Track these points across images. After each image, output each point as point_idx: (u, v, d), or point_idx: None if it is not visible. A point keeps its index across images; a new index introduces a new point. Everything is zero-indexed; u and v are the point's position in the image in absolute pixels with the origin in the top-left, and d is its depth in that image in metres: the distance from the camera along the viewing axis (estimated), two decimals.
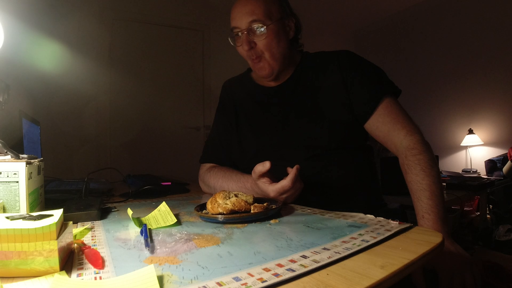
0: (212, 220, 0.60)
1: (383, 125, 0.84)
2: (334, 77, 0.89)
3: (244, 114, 1.02)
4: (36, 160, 0.61)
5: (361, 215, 0.61)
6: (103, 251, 0.44)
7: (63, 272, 0.36)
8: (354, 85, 0.87)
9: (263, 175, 0.73)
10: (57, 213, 0.42)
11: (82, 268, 0.38)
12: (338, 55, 0.92)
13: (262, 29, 0.85)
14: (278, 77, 0.95)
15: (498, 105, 3.23)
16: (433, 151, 0.80)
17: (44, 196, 0.69)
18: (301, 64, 0.97)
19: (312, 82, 0.93)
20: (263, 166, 0.71)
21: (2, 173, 0.53)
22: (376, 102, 0.84)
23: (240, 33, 0.88)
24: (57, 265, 0.36)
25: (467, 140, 3.31)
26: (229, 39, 0.92)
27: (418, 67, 3.86)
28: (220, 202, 0.62)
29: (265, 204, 0.65)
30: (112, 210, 0.73)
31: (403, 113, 0.85)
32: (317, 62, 0.95)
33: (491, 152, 3.25)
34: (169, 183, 1.06)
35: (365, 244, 0.44)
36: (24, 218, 0.40)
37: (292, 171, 0.71)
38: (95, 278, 0.35)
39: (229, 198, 0.64)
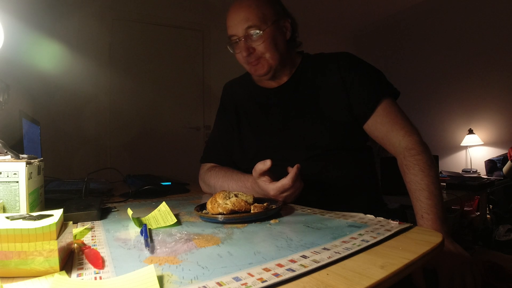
0: (212, 220, 0.60)
1: (382, 126, 0.85)
2: (334, 78, 0.90)
3: (245, 115, 1.02)
4: (36, 160, 0.61)
5: (361, 215, 0.61)
6: (103, 251, 0.44)
7: (63, 272, 0.36)
8: (354, 86, 0.87)
9: (263, 174, 0.73)
10: (57, 213, 0.42)
11: (82, 268, 0.38)
12: (338, 57, 0.93)
13: (259, 34, 0.86)
14: (275, 76, 0.95)
15: (498, 105, 3.23)
16: (431, 152, 0.81)
17: (44, 196, 0.69)
18: (301, 65, 0.97)
19: (313, 83, 0.93)
20: (264, 164, 0.71)
21: (2, 173, 0.53)
22: (375, 103, 0.85)
23: (238, 40, 0.89)
24: (57, 265, 0.36)
25: (467, 140, 3.31)
26: (228, 47, 0.93)
27: (418, 67, 3.86)
28: (220, 202, 0.62)
29: (265, 204, 0.65)
30: (112, 210, 0.73)
31: (402, 115, 0.86)
32: (317, 63, 0.96)
33: (491, 152, 3.25)
34: (169, 183, 1.06)
35: (365, 244, 0.44)
36: (24, 218, 0.40)
37: (292, 170, 0.71)
38: (95, 278, 0.35)
39: (229, 198, 0.64)
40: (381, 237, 0.47)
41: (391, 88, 0.89)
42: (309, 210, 0.69)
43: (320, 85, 0.92)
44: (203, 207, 0.67)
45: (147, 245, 0.45)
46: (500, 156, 2.93)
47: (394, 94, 0.89)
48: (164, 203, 0.65)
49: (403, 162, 0.80)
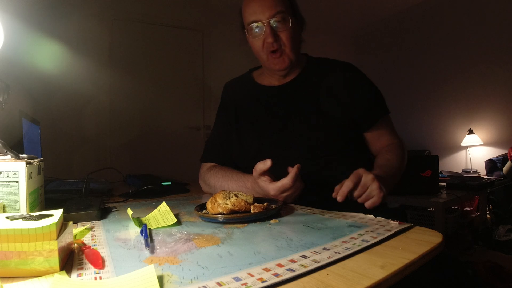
0: (212, 220, 0.60)
1: (382, 136, 0.96)
2: (339, 84, 0.93)
3: (245, 114, 1.02)
4: (36, 160, 0.61)
5: (361, 215, 0.61)
6: (103, 251, 0.44)
7: (63, 272, 0.36)
8: (360, 96, 0.93)
9: (263, 173, 0.74)
10: (57, 213, 0.42)
11: (82, 268, 0.38)
12: (345, 65, 0.98)
13: (285, 21, 0.87)
14: (287, 73, 0.97)
15: (498, 105, 3.23)
16: (406, 151, 0.95)
17: (44, 196, 0.69)
18: (307, 66, 1.00)
19: (316, 85, 0.95)
20: (264, 164, 0.71)
21: (2, 173, 0.53)
22: (379, 117, 0.94)
23: (260, 26, 0.88)
24: (57, 265, 0.36)
25: (467, 140, 3.30)
26: (245, 32, 0.93)
27: (418, 67, 3.86)
28: (220, 202, 0.62)
29: (265, 204, 0.65)
30: (112, 210, 0.74)
31: (394, 129, 0.99)
32: (323, 67, 0.99)
33: (491, 152, 3.24)
34: (169, 183, 1.06)
35: (365, 244, 0.44)
36: (24, 218, 0.40)
37: (293, 170, 0.71)
38: (95, 278, 0.35)
39: (229, 198, 0.64)
40: (381, 237, 0.47)
41: (386, 105, 0.98)
42: (309, 210, 0.69)
43: (324, 88, 0.94)
44: (203, 207, 0.67)
45: (147, 245, 0.45)
46: (500, 156, 2.93)
47: (388, 111, 0.98)
48: (164, 203, 0.65)
49: (382, 150, 0.93)
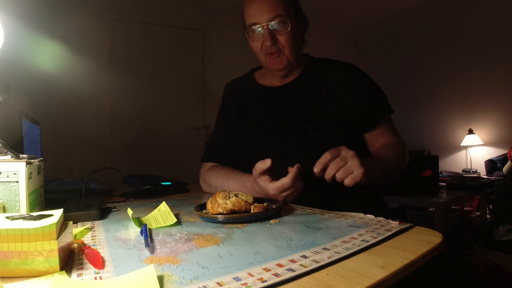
0: (212, 220, 0.60)
1: (382, 136, 0.95)
2: (341, 84, 0.93)
3: (247, 114, 1.02)
4: (36, 160, 0.61)
5: (361, 215, 0.61)
6: (103, 251, 0.44)
7: (63, 272, 0.36)
8: (361, 97, 0.93)
9: (263, 173, 0.74)
10: (57, 213, 0.42)
11: (82, 268, 0.38)
12: (346, 66, 0.98)
13: (285, 25, 0.87)
14: (287, 73, 0.98)
15: (498, 105, 3.23)
16: (407, 152, 0.94)
17: (44, 196, 0.69)
18: (308, 66, 1.00)
19: (318, 85, 0.96)
20: (264, 164, 0.72)
21: (2, 173, 0.53)
22: (379, 118, 0.94)
23: (260, 29, 0.89)
24: (57, 265, 0.36)
25: (467, 140, 3.30)
26: (245, 34, 0.94)
27: (418, 67, 3.86)
28: (220, 202, 0.62)
29: (265, 204, 0.65)
30: (112, 210, 0.73)
31: (395, 130, 0.98)
32: (324, 67, 0.99)
33: (491, 152, 3.24)
34: (169, 183, 1.06)
35: (365, 244, 0.44)
36: (24, 218, 0.40)
37: (292, 170, 0.71)
38: (95, 278, 0.35)
39: (229, 198, 0.64)
40: (381, 237, 0.47)
41: (389, 106, 0.97)
42: (309, 210, 0.69)
43: (325, 88, 0.95)
44: (203, 207, 0.67)
45: (147, 245, 0.45)
46: (500, 156, 2.93)
47: (391, 111, 0.98)
48: (164, 203, 0.65)
49: (380, 147, 0.92)
